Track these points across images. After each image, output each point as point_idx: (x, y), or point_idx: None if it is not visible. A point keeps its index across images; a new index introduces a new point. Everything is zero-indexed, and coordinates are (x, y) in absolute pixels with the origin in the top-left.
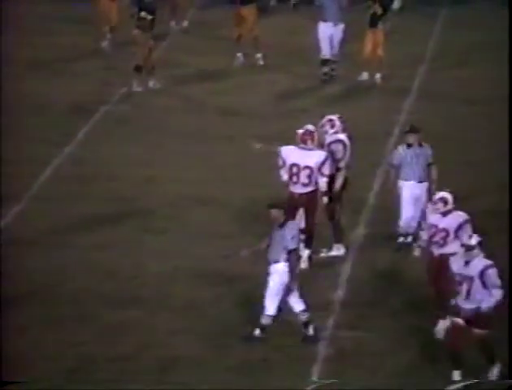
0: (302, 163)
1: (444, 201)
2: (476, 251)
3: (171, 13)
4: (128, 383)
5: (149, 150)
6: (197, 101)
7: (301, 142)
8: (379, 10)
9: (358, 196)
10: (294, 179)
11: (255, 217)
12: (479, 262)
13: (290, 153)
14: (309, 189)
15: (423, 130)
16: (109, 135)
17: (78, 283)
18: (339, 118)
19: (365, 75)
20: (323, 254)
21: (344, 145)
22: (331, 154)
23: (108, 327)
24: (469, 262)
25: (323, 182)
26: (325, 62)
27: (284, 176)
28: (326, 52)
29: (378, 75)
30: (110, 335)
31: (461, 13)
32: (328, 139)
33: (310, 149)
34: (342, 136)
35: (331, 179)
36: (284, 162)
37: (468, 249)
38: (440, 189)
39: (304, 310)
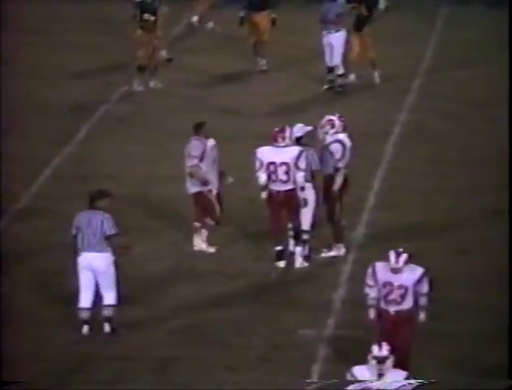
0: (278, 160)
1: (409, 259)
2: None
3: (203, 13)
4: (127, 382)
5: (149, 149)
6: (197, 101)
7: (273, 140)
8: (365, 12)
9: (358, 195)
10: (273, 177)
11: (254, 217)
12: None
13: (266, 153)
14: (288, 187)
15: (422, 129)
16: (109, 134)
17: (77, 283)
18: (339, 117)
19: (352, 77)
20: (323, 254)
21: (344, 145)
22: (331, 155)
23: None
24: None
25: (300, 176)
26: (330, 69)
27: (262, 177)
28: (327, 60)
29: (376, 74)
30: (109, 335)
31: (461, 12)
32: (328, 139)
33: (283, 146)
34: (342, 136)
35: (331, 179)
36: (262, 163)
37: (379, 361)
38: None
39: (110, 306)
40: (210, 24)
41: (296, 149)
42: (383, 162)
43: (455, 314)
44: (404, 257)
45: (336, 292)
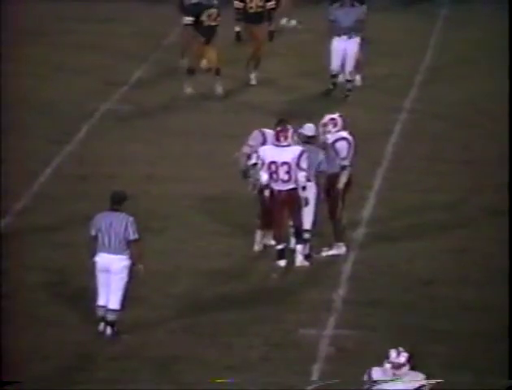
0: (280, 160)
1: (409, 360)
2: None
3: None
4: (127, 382)
5: (149, 149)
6: (198, 100)
7: (276, 140)
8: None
9: (359, 194)
10: (274, 176)
11: (253, 215)
12: None
13: (267, 152)
14: (290, 186)
15: (423, 128)
16: (109, 133)
17: (78, 282)
18: (339, 116)
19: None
20: (323, 253)
21: (349, 142)
22: (336, 153)
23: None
24: None
25: (301, 176)
26: (334, 76)
27: (264, 176)
28: (335, 67)
29: (358, 77)
30: (110, 336)
31: (461, 12)
32: (332, 138)
33: (285, 146)
34: (346, 134)
35: (335, 177)
36: (264, 162)
37: (395, 366)
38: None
39: (115, 310)
40: (293, 22)
41: (297, 149)
42: (383, 161)
43: (455, 313)
44: (405, 355)
45: (337, 292)
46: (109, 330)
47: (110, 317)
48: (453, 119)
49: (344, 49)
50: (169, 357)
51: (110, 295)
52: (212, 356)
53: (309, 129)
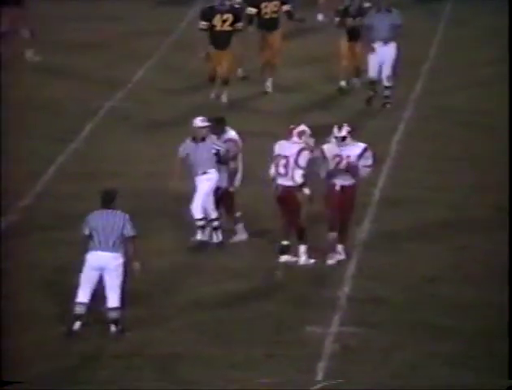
0: (282, 153)
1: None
2: None
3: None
4: (130, 380)
5: (151, 147)
6: (200, 99)
7: (288, 136)
8: (361, 23)
9: (363, 192)
10: (276, 170)
11: (257, 213)
12: None
13: (277, 147)
14: (287, 183)
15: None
16: (112, 132)
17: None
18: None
19: (343, 83)
20: (330, 261)
21: (370, 150)
22: (360, 163)
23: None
24: None
25: (298, 174)
26: (372, 83)
27: (271, 170)
28: (373, 73)
29: (355, 80)
30: (113, 334)
31: (464, 11)
32: (351, 151)
33: (292, 142)
34: (363, 144)
35: (352, 188)
36: (273, 156)
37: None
38: None
39: (116, 308)
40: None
41: (297, 146)
42: (387, 159)
43: (456, 311)
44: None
45: (341, 290)
46: (113, 328)
47: (113, 315)
48: (456, 117)
49: (381, 56)
50: (172, 355)
51: (108, 294)
52: (215, 353)
53: (199, 121)
